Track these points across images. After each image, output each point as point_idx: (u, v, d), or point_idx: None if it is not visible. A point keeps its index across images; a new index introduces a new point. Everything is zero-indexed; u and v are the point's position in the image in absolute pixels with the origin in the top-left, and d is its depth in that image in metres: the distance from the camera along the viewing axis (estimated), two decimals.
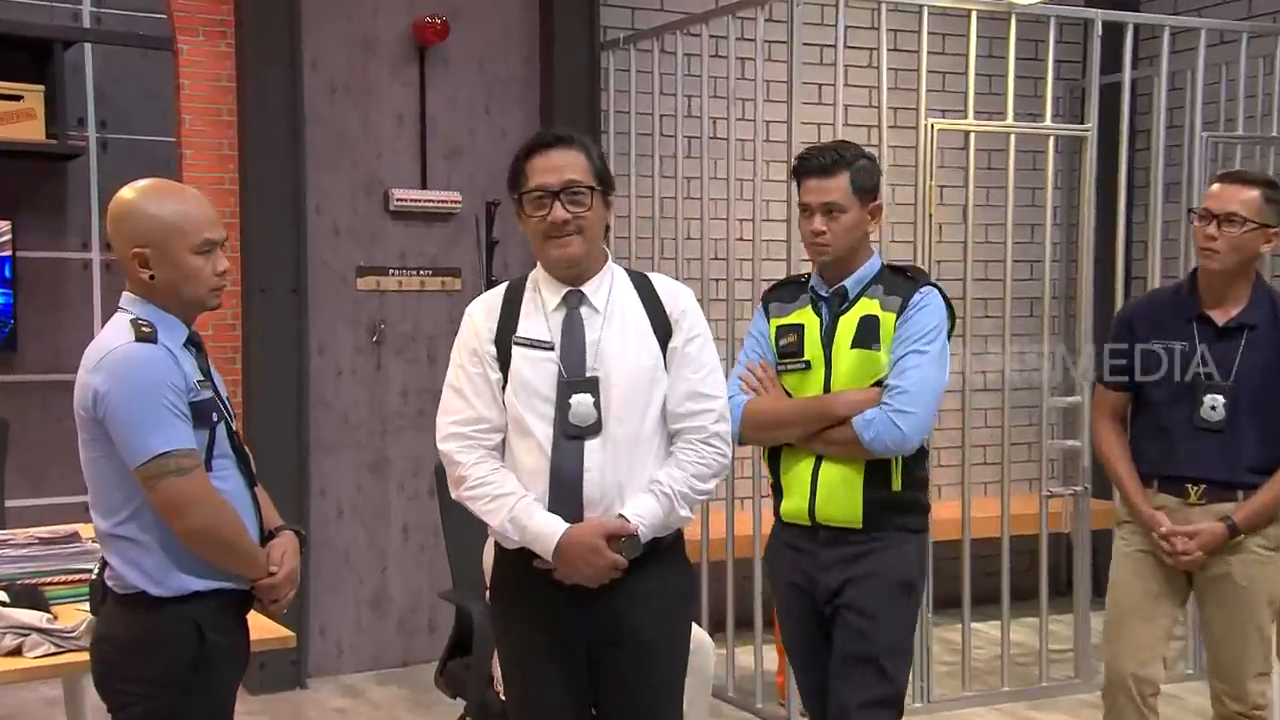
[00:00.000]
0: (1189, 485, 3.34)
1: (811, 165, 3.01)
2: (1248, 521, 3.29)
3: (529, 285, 2.75)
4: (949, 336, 3.03)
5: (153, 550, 2.45)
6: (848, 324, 3.00)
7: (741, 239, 5.01)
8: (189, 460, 2.40)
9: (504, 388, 2.67)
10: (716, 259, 4.99)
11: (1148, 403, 3.42)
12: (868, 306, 3.00)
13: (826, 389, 3.00)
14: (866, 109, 5.06)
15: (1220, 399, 3.29)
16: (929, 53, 4.67)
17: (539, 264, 2.74)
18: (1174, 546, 3.31)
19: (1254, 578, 3.32)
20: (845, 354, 2.99)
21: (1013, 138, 4.81)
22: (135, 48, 5.40)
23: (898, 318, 2.96)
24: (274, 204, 4.92)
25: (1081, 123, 5.13)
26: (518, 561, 2.67)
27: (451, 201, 5.19)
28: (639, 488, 2.64)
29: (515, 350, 2.67)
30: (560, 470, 2.61)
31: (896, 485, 2.99)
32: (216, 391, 2.56)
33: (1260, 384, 3.30)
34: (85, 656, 2.66)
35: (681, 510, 2.66)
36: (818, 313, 3.05)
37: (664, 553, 2.70)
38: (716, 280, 4.93)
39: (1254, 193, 3.31)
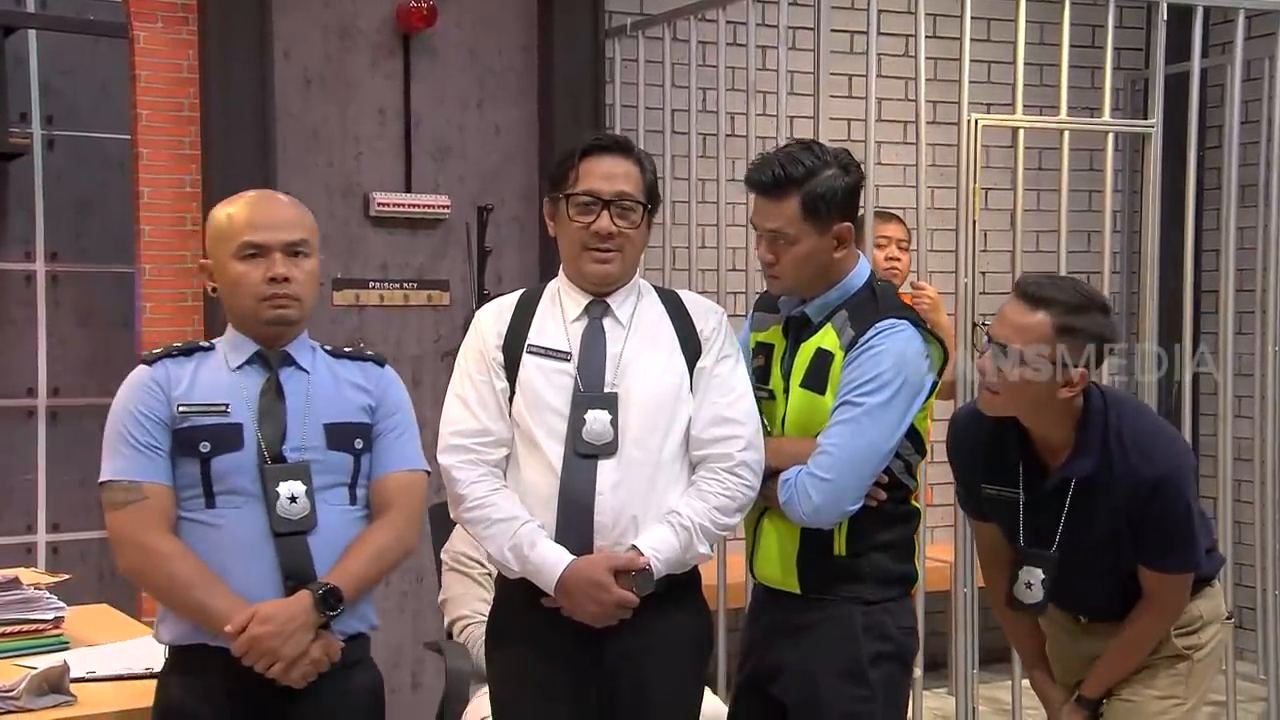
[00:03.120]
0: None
1: (753, 182, 2.77)
2: (1099, 694, 2.95)
3: (548, 293, 2.77)
4: (931, 386, 2.75)
5: None
6: (804, 355, 2.77)
7: None
8: (124, 494, 2.44)
9: (511, 399, 2.67)
10: (735, 270, 4.87)
11: None
12: (825, 338, 2.75)
13: (782, 428, 2.79)
14: (902, 103, 4.97)
15: (1039, 574, 2.83)
16: (972, 40, 4.53)
17: (562, 273, 2.77)
18: None
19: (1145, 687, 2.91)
20: (796, 392, 2.77)
21: (1066, 135, 4.68)
22: (85, 35, 5.35)
23: (845, 356, 2.71)
24: None
25: (1145, 118, 5.03)
26: (521, 595, 2.65)
27: (439, 207, 5.12)
28: (655, 518, 2.63)
29: (527, 359, 2.68)
30: (570, 491, 2.61)
31: (840, 549, 2.74)
32: (275, 420, 2.48)
33: (1089, 554, 2.79)
34: None
35: (700, 546, 2.65)
36: (785, 334, 2.83)
37: (679, 592, 2.69)
38: (734, 294, 4.81)
39: (1038, 318, 2.66)
